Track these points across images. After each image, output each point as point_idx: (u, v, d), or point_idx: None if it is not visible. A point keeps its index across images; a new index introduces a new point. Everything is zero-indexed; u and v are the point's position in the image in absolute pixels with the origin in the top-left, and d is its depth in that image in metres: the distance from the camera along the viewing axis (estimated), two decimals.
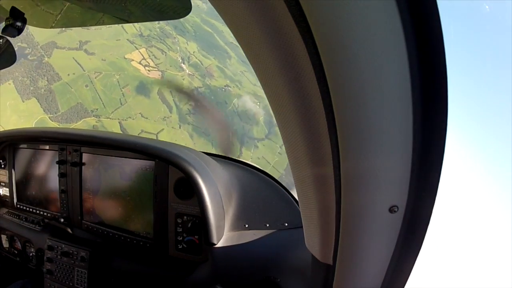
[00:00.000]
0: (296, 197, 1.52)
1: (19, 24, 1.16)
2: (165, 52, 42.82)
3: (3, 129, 2.18)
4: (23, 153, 2.08)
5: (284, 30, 0.50)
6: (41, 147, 1.97)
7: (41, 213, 1.99)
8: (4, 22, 1.16)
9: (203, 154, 1.74)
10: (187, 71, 42.72)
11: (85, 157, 1.79)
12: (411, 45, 0.47)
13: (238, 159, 1.99)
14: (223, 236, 1.47)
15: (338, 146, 0.56)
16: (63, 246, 1.76)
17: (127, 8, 1.20)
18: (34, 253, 1.97)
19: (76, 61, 36.83)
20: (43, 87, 33.24)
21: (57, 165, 1.86)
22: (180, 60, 43.75)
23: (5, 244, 2.13)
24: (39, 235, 1.95)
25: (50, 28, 1.41)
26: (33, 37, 34.95)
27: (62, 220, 1.87)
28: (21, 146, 2.07)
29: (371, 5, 0.43)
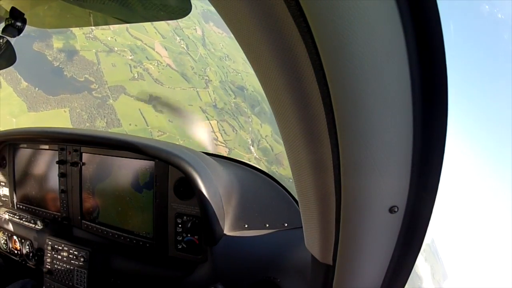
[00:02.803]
0: (296, 197, 1.52)
1: (19, 24, 1.16)
2: (236, 130, 39.46)
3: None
4: (23, 153, 2.08)
5: (284, 30, 0.50)
6: (41, 147, 1.97)
7: (41, 213, 1.99)
8: (4, 22, 1.16)
9: (203, 154, 1.74)
10: (255, 154, 38.42)
11: (85, 157, 1.79)
12: (411, 45, 0.47)
13: (238, 159, 1.99)
14: (223, 236, 1.47)
15: (338, 146, 0.56)
16: (63, 246, 1.76)
17: (127, 8, 1.20)
18: (34, 253, 1.97)
19: (141, 113, 34.20)
20: (100, 127, 31.12)
21: (57, 165, 1.86)
22: (250, 142, 39.59)
23: (5, 244, 2.13)
24: (39, 235, 1.95)
25: (50, 28, 1.41)
26: (103, 75, 33.11)
27: (62, 220, 1.87)
28: (21, 146, 2.07)
29: (371, 5, 0.43)
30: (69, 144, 1.83)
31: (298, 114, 0.59)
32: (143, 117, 34.33)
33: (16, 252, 2.08)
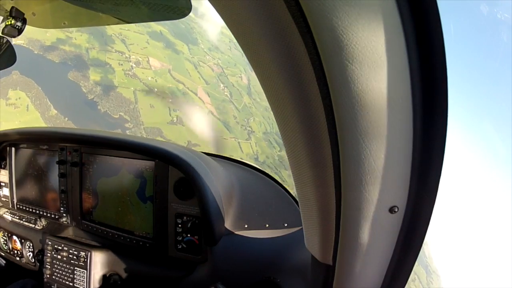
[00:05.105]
0: (296, 198, 1.52)
1: (19, 24, 1.16)
2: None
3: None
4: (23, 153, 2.08)
5: (284, 30, 0.50)
6: (41, 147, 1.97)
7: (41, 213, 1.99)
8: (4, 22, 1.16)
9: (203, 154, 1.74)
10: None
11: (85, 157, 1.79)
12: (411, 45, 0.47)
13: (239, 159, 1.99)
14: (223, 236, 1.47)
15: (338, 146, 0.56)
16: (63, 246, 1.76)
17: (127, 8, 1.20)
18: (34, 253, 1.97)
19: None
20: None
21: (57, 165, 1.86)
22: None
23: (5, 244, 2.13)
24: (39, 235, 1.95)
25: (49, 28, 1.41)
26: (139, 115, 31.74)
27: (62, 220, 1.87)
28: (21, 146, 2.07)
29: (371, 6, 0.43)
30: (69, 144, 1.83)
31: (298, 114, 0.59)
32: None
33: (16, 252, 2.08)
